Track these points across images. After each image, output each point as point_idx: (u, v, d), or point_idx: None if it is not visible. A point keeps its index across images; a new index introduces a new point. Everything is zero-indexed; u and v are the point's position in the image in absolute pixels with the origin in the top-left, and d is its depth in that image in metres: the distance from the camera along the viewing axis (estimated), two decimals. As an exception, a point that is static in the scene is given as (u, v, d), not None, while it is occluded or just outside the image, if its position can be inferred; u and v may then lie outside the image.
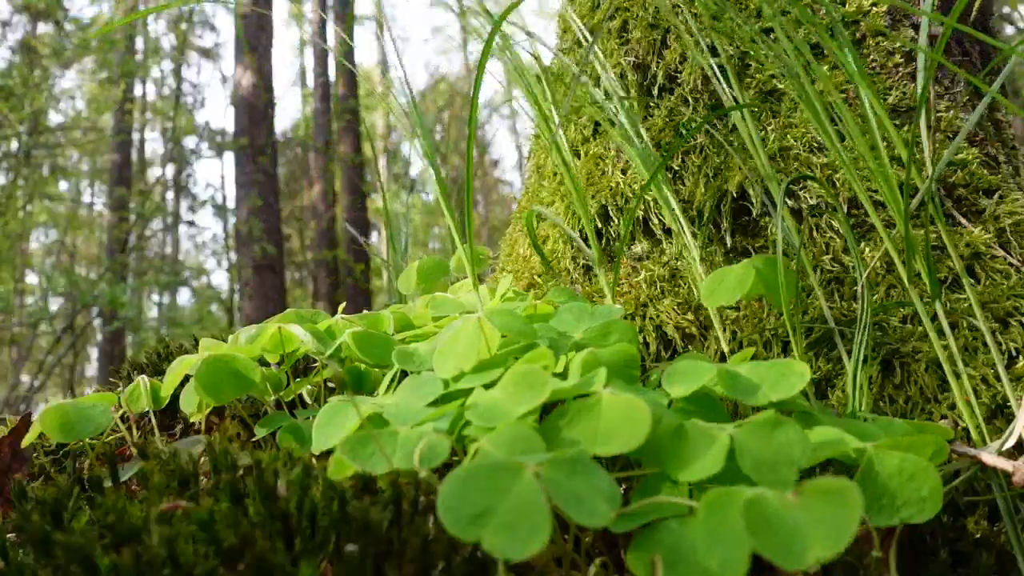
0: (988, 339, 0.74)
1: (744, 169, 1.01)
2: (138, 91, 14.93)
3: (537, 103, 0.98)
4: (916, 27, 1.07)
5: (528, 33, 1.03)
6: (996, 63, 0.69)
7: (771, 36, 0.89)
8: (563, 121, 1.22)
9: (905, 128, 0.95)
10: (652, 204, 1.10)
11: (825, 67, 1.03)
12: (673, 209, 0.98)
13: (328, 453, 0.61)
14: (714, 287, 0.83)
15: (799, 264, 0.87)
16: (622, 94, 1.12)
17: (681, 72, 1.13)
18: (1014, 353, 0.84)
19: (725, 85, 1.03)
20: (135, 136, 14.64)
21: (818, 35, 0.82)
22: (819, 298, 0.85)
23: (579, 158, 1.21)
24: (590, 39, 1.16)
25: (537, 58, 1.07)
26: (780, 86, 1.05)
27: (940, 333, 0.81)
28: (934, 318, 0.82)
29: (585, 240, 1.10)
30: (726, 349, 0.94)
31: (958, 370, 0.74)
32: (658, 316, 1.04)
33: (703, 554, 0.44)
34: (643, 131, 1.05)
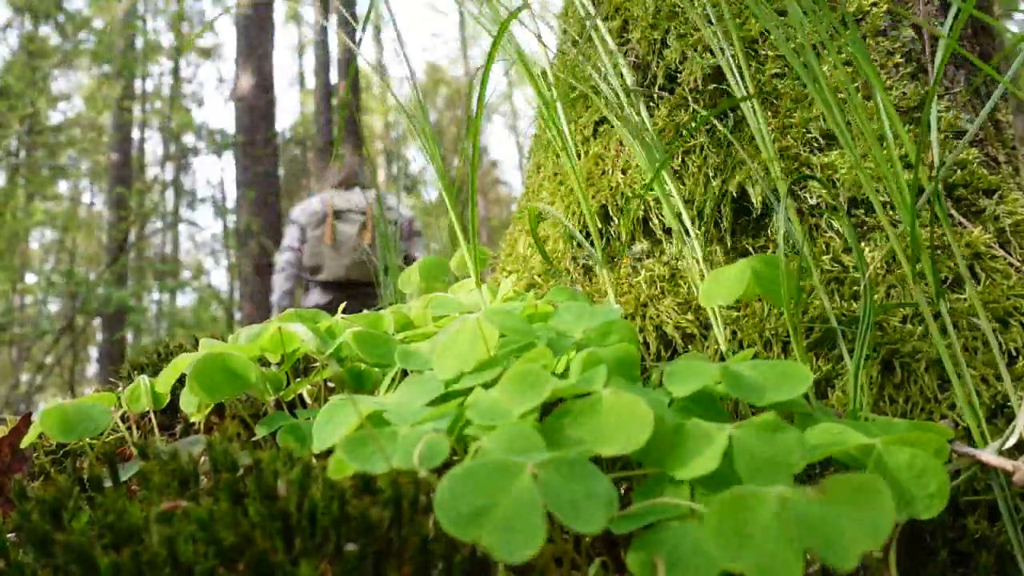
0: (990, 338, 0.74)
1: (752, 164, 1.01)
2: (138, 90, 14.92)
3: (540, 93, 0.97)
4: (916, 27, 1.07)
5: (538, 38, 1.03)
6: (996, 62, 0.69)
7: (773, 35, 0.89)
8: (566, 111, 1.22)
9: (910, 129, 0.95)
10: (653, 204, 1.10)
11: (831, 63, 1.03)
12: (678, 211, 0.98)
13: (328, 453, 0.60)
14: (712, 287, 0.83)
15: (802, 263, 0.87)
16: (629, 84, 1.12)
17: (681, 72, 1.13)
18: (1014, 353, 0.84)
19: (729, 82, 1.03)
20: (135, 135, 14.63)
21: (821, 31, 0.82)
22: (821, 297, 0.85)
23: (579, 158, 1.21)
24: (598, 25, 1.16)
25: (544, 48, 1.07)
26: (780, 86, 1.05)
27: (943, 332, 0.81)
28: (937, 316, 0.82)
29: (588, 238, 1.10)
30: (725, 349, 0.94)
31: (960, 370, 0.74)
32: (658, 316, 1.04)
33: (721, 559, 0.44)
34: (649, 125, 1.05)
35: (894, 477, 0.53)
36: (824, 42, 0.79)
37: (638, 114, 1.00)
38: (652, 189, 0.96)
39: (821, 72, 0.77)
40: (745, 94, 0.92)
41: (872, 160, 0.77)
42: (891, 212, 0.92)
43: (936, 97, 1.00)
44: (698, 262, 0.92)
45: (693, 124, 1.09)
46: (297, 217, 4.21)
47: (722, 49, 0.97)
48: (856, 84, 1.03)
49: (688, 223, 0.95)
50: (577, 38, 1.26)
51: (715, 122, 1.07)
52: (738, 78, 0.96)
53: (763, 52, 1.08)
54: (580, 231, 1.14)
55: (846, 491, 0.45)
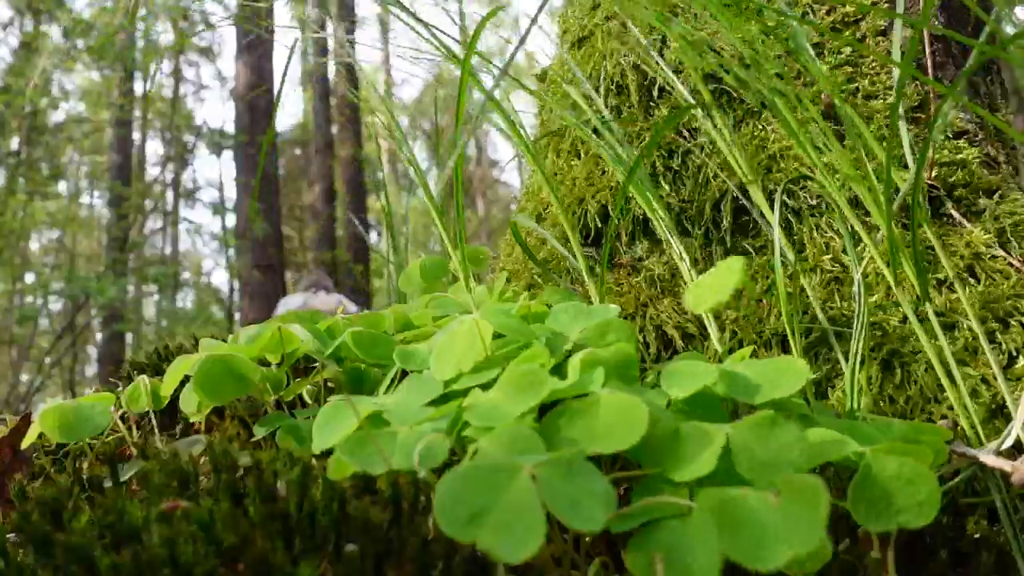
0: (982, 340, 0.74)
1: (724, 176, 1.01)
2: (138, 91, 14.93)
3: (515, 130, 0.98)
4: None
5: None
6: (979, 62, 0.70)
7: (753, 52, 0.89)
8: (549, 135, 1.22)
9: (909, 129, 0.96)
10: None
11: (825, 67, 1.03)
12: (666, 217, 0.98)
13: (328, 453, 0.60)
14: (698, 293, 0.81)
15: (794, 266, 0.87)
16: (606, 112, 1.12)
17: (682, 72, 1.13)
18: (1014, 353, 0.85)
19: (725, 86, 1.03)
20: (135, 136, 14.63)
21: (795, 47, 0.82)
22: (811, 299, 0.85)
23: (579, 158, 1.21)
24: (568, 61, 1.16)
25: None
26: (780, 87, 1.05)
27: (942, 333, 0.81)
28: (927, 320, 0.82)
29: (568, 244, 1.10)
30: (721, 351, 0.94)
31: (952, 372, 0.74)
32: (658, 316, 1.04)
33: (689, 554, 0.44)
34: (617, 144, 1.05)
35: (883, 485, 0.53)
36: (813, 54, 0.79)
37: (613, 144, 1.00)
38: (627, 200, 0.96)
39: (791, 116, 0.77)
40: (750, 96, 0.92)
41: (851, 166, 0.78)
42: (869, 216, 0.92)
43: (935, 97, 1.00)
44: (685, 266, 0.92)
45: (693, 126, 1.10)
46: (286, 307, 5.07)
47: (715, 51, 0.97)
48: (855, 85, 1.03)
49: (671, 232, 0.95)
50: (577, 40, 1.26)
51: (720, 121, 1.07)
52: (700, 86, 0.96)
53: (763, 52, 1.08)
54: (580, 231, 1.14)
55: (793, 493, 0.45)
